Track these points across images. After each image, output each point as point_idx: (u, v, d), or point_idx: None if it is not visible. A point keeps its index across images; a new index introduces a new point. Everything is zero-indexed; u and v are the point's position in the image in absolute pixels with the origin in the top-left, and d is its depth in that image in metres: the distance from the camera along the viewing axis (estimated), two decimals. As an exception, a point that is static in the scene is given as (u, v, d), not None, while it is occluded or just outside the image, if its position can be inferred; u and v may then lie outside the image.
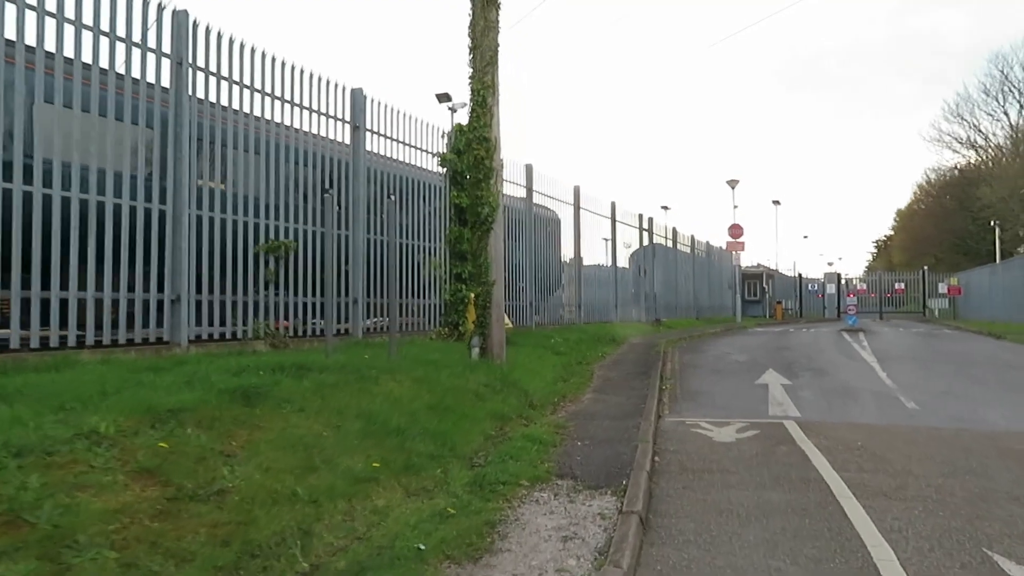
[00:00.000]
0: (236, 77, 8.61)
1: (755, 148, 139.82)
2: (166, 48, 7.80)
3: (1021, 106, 44.46)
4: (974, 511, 4.89)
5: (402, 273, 11.75)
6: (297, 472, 4.61)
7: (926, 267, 46.52)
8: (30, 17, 6.49)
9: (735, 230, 32.23)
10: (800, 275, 52.25)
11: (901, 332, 24.78)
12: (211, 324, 8.28)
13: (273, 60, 9.06)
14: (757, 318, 37.24)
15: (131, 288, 7.33)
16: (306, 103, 9.60)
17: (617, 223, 21.96)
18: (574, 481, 5.45)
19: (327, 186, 10.22)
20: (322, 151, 10.02)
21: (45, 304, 6.60)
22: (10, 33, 6.36)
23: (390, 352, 8.08)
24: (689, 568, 4.03)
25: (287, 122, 9.50)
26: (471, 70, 9.07)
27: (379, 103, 11.08)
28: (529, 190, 16.15)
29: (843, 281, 47.60)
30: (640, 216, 24.41)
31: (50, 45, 6.63)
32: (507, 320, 12.73)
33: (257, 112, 8.99)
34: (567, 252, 19.38)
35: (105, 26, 7.08)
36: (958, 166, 54.05)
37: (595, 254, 21.76)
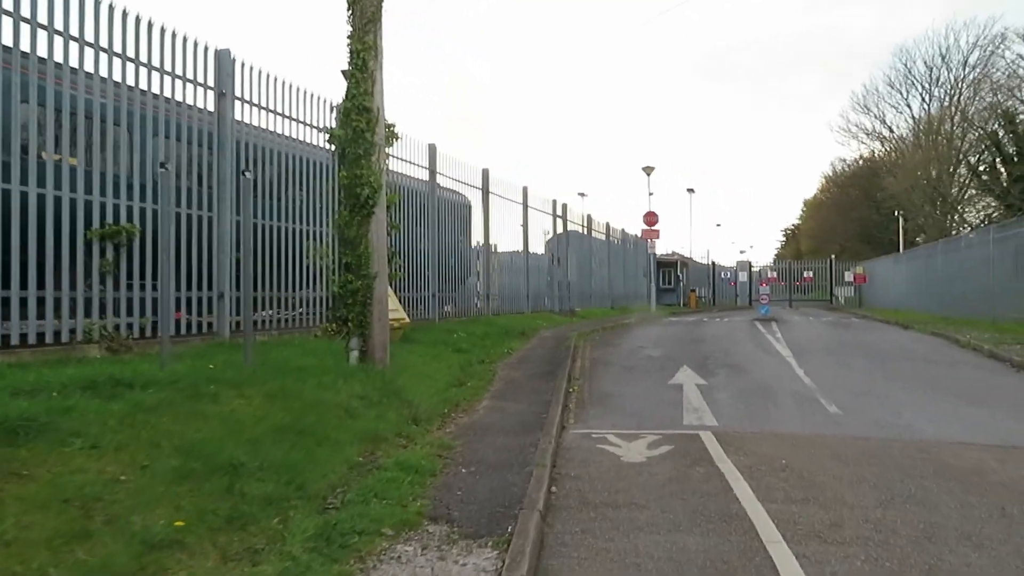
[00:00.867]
0: (59, 27, 7.11)
1: (671, 137, 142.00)
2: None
3: (923, 99, 45.73)
4: (925, 559, 4.06)
5: (284, 261, 10.44)
6: (60, 542, 3.38)
7: (833, 256, 47.56)
8: None
9: (650, 217, 31.79)
10: (713, 263, 52.75)
11: (812, 321, 24.80)
12: (25, 323, 6.81)
13: (111, 8, 7.59)
14: (672, 307, 37.10)
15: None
16: (156, 63, 8.16)
17: (529, 209, 21.00)
18: (450, 527, 4.38)
19: (187, 160, 8.82)
20: (182, 121, 8.61)
21: None
22: None
23: (245, 358, 6.81)
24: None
25: (142, 86, 8.06)
26: (350, 28, 7.81)
27: (252, 68, 9.70)
28: (432, 172, 14.96)
29: (755, 269, 48.25)
30: (554, 202, 23.54)
31: None
32: (402, 314, 11.57)
33: (103, 73, 7.55)
34: (481, 239, 18.41)
35: None
36: (863, 157, 55.56)
37: (511, 242, 20.85)
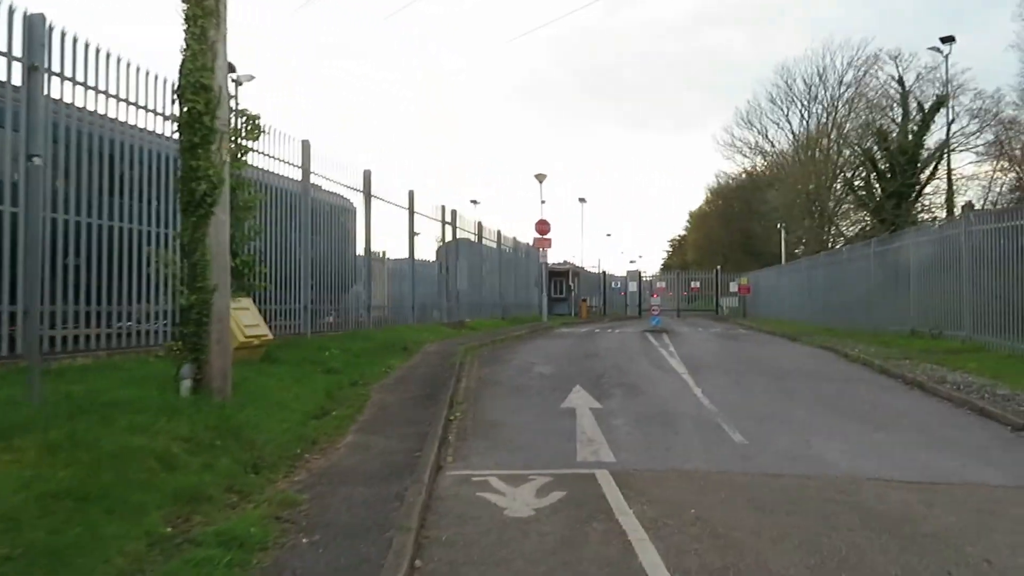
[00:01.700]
0: None
1: (563, 148, 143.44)
2: None
3: (802, 116, 47.49)
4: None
5: (120, 268, 8.90)
6: None
7: (719, 267, 48.57)
8: None
9: (542, 226, 31.22)
10: (604, 272, 52.92)
11: (702, 333, 24.73)
12: None
13: None
14: (563, 316, 36.65)
15: None
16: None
17: (416, 215, 19.81)
18: (269, 637, 3.21)
19: None
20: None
21: None
22: None
23: (31, 394, 5.36)
24: None
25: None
26: (185, -13, 6.47)
27: (74, 38, 8.15)
28: (306, 171, 13.56)
29: (644, 279, 48.67)
30: (443, 208, 22.45)
31: None
32: (264, 330, 10.19)
33: None
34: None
35: None
36: (746, 170, 57.29)
37: (401, 249, 19.65)
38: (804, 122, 47.25)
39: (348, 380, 9.97)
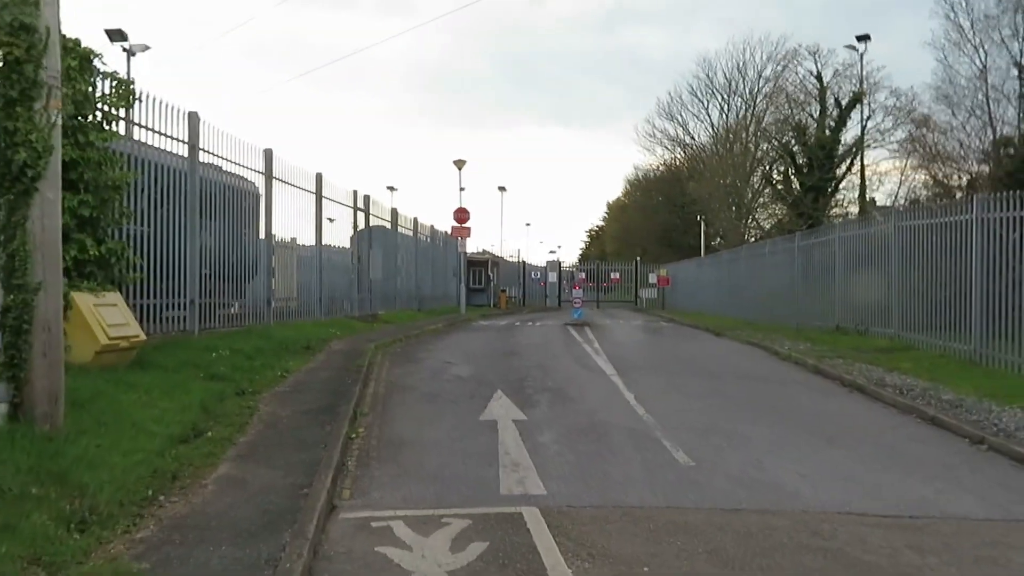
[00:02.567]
0: None
1: (482, 137, 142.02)
2: None
3: (722, 109, 47.67)
4: None
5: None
6: None
7: (639, 258, 48.39)
8: None
9: (461, 214, 29.99)
10: (524, 262, 52.03)
11: (624, 326, 24.14)
12: None
13: None
14: (482, 308, 35.52)
15: None
16: None
17: (325, 199, 18.28)
18: None
19: None
20: None
21: None
22: None
23: None
24: None
25: None
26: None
27: None
28: (194, 147, 11.94)
29: (564, 269, 48.06)
30: (355, 193, 20.93)
31: None
32: (135, 330, 8.72)
33: None
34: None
35: None
36: (666, 162, 57.36)
37: (310, 237, 18.10)
38: (724, 115, 47.47)
39: (234, 388, 8.59)
